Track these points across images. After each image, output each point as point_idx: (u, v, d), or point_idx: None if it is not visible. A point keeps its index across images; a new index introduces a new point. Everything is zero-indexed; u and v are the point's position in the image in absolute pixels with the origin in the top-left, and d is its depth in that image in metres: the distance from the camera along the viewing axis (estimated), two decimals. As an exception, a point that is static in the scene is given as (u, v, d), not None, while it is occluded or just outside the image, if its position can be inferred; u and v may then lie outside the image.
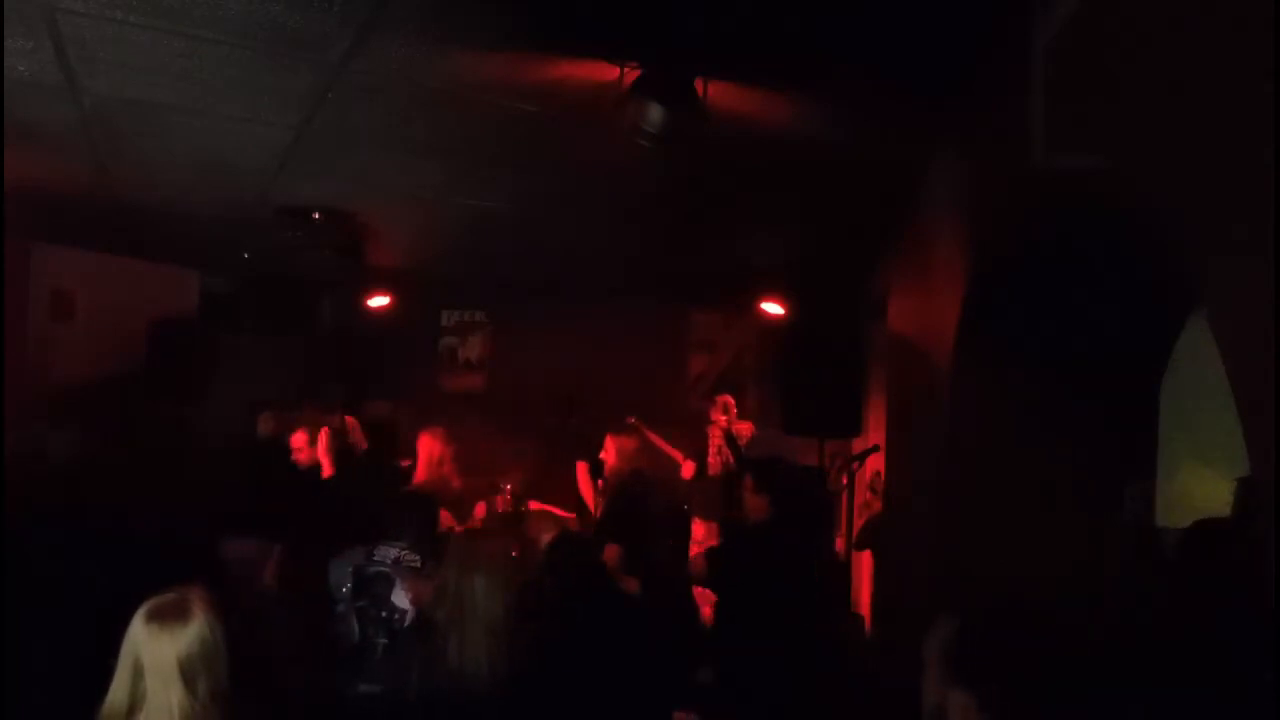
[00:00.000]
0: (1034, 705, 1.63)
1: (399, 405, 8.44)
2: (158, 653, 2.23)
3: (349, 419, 6.60)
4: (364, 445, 6.54)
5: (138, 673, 2.23)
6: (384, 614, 3.54)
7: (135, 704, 2.22)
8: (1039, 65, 3.07)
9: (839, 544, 6.61)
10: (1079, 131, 2.86)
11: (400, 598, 3.54)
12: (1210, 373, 2.52)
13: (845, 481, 6.65)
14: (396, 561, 3.61)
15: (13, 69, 3.81)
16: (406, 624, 3.51)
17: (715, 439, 7.15)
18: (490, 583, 3.01)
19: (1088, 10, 2.80)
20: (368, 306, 7.95)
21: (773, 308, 6.89)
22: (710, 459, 7.10)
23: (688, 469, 7.04)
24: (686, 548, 6.02)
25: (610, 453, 5.85)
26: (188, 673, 2.23)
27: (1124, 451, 4.19)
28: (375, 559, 3.63)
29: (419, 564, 3.61)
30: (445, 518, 6.06)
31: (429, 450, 5.98)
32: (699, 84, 3.63)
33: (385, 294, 7.89)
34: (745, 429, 7.23)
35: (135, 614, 2.29)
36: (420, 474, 5.81)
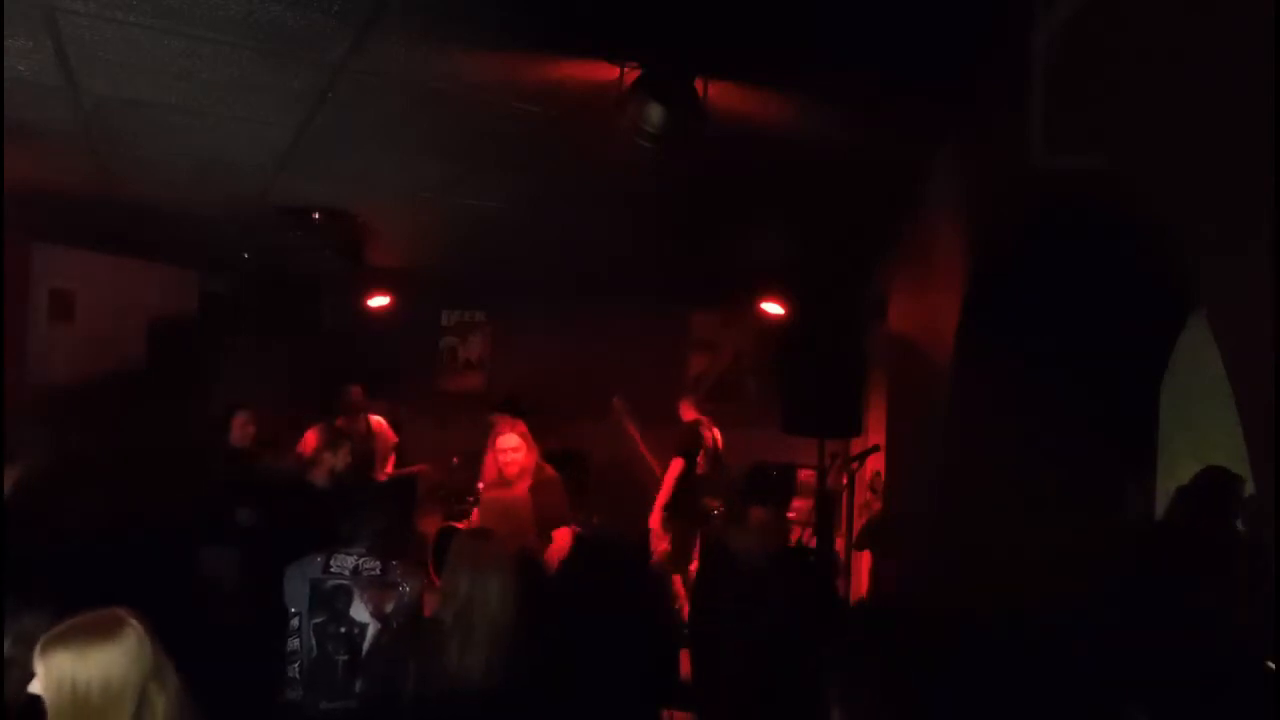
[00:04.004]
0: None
1: (399, 405, 8.45)
2: (102, 675, 2.06)
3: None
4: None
5: (82, 700, 2.05)
6: (343, 629, 3.41)
7: None
8: (1039, 65, 3.07)
9: (839, 544, 6.61)
10: (1079, 131, 2.87)
11: (360, 611, 3.42)
12: (1210, 373, 2.52)
13: (845, 481, 6.65)
14: (355, 571, 3.47)
15: (13, 69, 3.81)
16: (368, 638, 3.39)
17: (708, 440, 7.18)
18: (504, 585, 3.02)
19: (1088, 10, 2.80)
20: (368, 306, 7.96)
21: (773, 308, 6.90)
22: (699, 458, 7.13)
23: (674, 468, 7.04)
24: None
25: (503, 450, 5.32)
26: (138, 692, 2.09)
27: (1124, 451, 4.19)
28: (333, 570, 3.47)
29: (378, 571, 3.48)
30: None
31: (306, 444, 5.98)
32: (699, 84, 3.63)
33: (385, 294, 7.91)
34: (718, 434, 7.34)
35: (52, 641, 2.09)
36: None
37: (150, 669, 2.12)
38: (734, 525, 4.14)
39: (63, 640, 2.10)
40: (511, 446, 5.30)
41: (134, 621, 2.15)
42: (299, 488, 5.08)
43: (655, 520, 7.00)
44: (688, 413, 7.34)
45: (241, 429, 5.98)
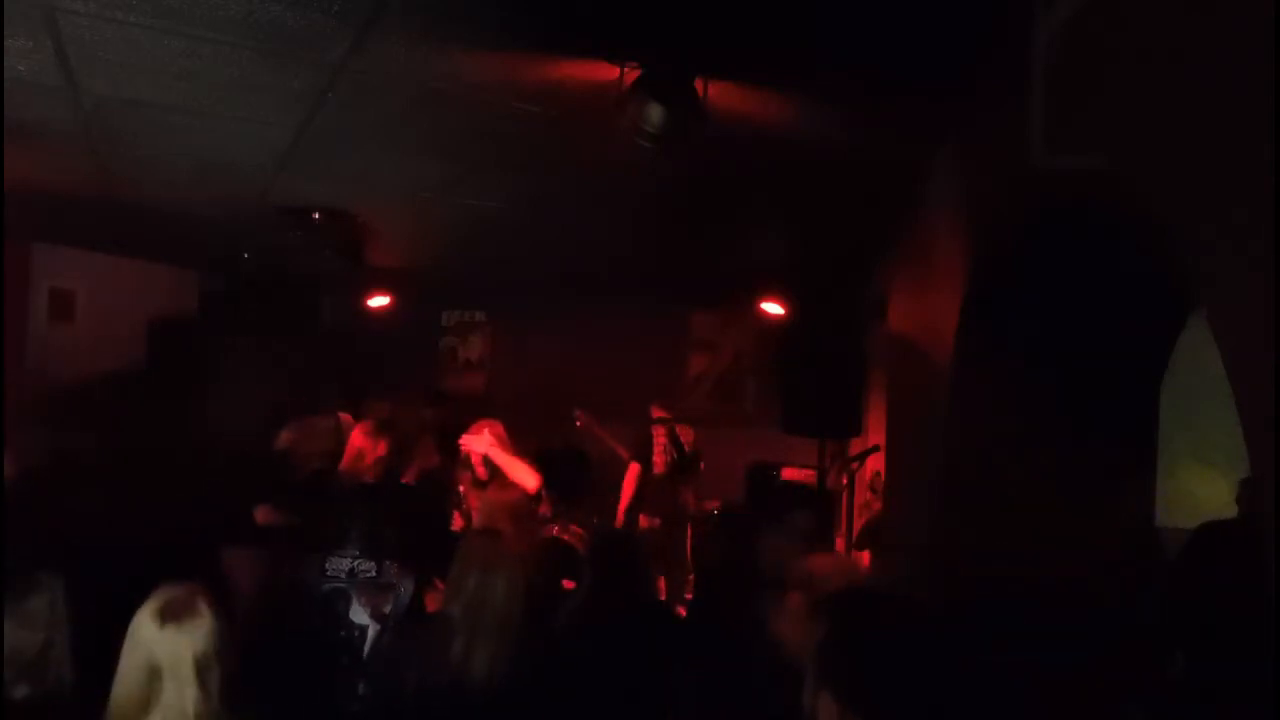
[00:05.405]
0: (899, 706, 1.61)
1: (399, 405, 8.44)
2: (172, 650, 2.19)
3: (345, 417, 6.52)
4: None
5: (150, 672, 2.19)
6: (342, 633, 3.44)
7: (146, 704, 2.18)
8: (1039, 65, 3.07)
9: (839, 544, 6.61)
10: (1079, 131, 2.86)
11: (359, 614, 3.44)
12: (1210, 373, 2.51)
13: (845, 481, 6.66)
14: (351, 574, 3.49)
15: (13, 69, 3.81)
16: (369, 641, 3.42)
17: (660, 439, 7.25)
18: (512, 584, 3.03)
19: (1088, 10, 2.80)
20: (368, 306, 7.96)
21: (773, 308, 6.90)
22: (656, 458, 7.20)
23: (630, 474, 7.12)
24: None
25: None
26: (203, 670, 2.20)
27: (1124, 451, 4.19)
28: (329, 574, 3.50)
29: (374, 573, 3.50)
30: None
31: (353, 443, 5.96)
32: (699, 84, 3.63)
33: (385, 294, 7.90)
34: (688, 431, 7.39)
35: (141, 611, 2.26)
36: (343, 464, 5.83)
37: (211, 653, 2.24)
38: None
39: (149, 610, 2.26)
40: (475, 448, 5.22)
41: (205, 606, 2.29)
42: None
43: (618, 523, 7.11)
44: (656, 414, 7.42)
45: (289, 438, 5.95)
